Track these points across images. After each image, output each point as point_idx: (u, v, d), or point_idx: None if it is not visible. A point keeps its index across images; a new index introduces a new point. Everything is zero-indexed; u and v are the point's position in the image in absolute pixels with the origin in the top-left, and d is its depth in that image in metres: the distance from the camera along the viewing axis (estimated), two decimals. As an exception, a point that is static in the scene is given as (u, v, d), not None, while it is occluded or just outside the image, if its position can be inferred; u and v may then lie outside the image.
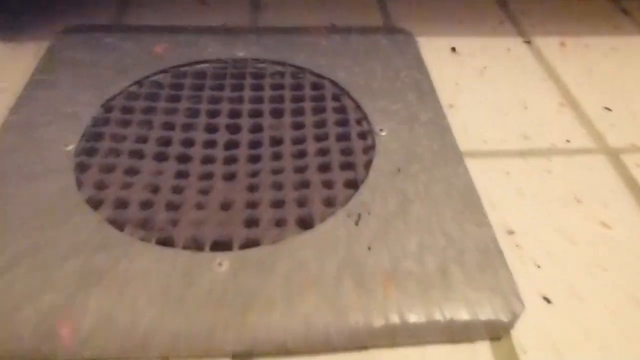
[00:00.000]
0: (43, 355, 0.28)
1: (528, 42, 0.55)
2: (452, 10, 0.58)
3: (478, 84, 0.49)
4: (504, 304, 0.31)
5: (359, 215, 0.35)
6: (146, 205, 0.36)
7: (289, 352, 0.29)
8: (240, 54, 0.50)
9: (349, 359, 0.29)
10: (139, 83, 0.46)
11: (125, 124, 0.42)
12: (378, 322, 0.30)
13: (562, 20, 0.58)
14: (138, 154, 0.39)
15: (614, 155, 0.42)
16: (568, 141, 0.43)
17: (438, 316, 0.30)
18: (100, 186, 0.37)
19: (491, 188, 0.39)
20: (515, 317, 0.30)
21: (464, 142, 0.42)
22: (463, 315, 0.30)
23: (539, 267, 0.34)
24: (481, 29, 0.56)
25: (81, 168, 0.38)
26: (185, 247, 0.33)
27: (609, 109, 0.46)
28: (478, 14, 0.58)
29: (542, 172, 0.40)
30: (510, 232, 0.36)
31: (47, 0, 0.58)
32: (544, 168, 0.40)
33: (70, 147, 0.39)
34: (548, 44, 0.54)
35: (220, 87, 0.46)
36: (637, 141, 0.44)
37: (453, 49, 0.53)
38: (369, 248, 0.33)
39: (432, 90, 0.47)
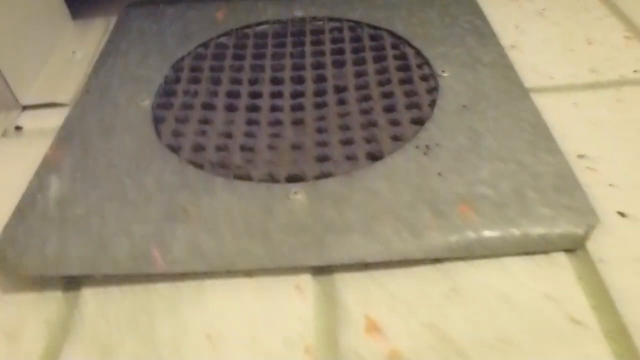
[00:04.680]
0: (138, 273, 0.30)
1: (587, -16, 0.53)
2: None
3: (539, 24, 0.48)
4: (578, 218, 0.31)
5: (427, 147, 0.36)
6: (222, 148, 0.37)
7: (367, 267, 0.30)
8: (299, 13, 0.51)
9: (426, 271, 0.30)
10: (204, 45, 0.48)
11: (196, 81, 0.44)
12: (454, 237, 0.30)
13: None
14: (210, 106, 0.41)
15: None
16: (636, 71, 0.42)
17: (513, 230, 0.30)
18: (178, 134, 0.39)
19: (560, 119, 0.38)
20: (590, 229, 0.30)
21: (530, 80, 0.41)
22: (538, 229, 0.30)
23: (612, 186, 0.34)
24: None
25: (158, 120, 0.40)
26: (261, 181, 0.34)
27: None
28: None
29: (612, 101, 0.39)
30: (581, 157, 0.36)
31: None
32: (614, 98, 0.40)
33: (147, 102, 0.41)
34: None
35: (283, 45, 0.47)
36: None
37: (510, -5, 0.53)
38: (439, 174, 0.34)
39: (492, 34, 0.46)
